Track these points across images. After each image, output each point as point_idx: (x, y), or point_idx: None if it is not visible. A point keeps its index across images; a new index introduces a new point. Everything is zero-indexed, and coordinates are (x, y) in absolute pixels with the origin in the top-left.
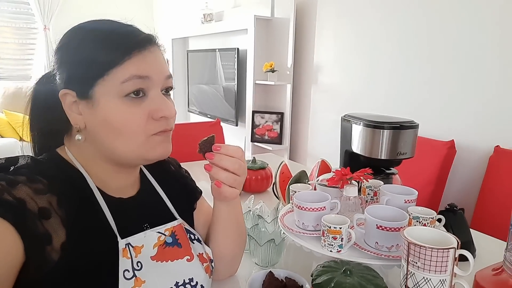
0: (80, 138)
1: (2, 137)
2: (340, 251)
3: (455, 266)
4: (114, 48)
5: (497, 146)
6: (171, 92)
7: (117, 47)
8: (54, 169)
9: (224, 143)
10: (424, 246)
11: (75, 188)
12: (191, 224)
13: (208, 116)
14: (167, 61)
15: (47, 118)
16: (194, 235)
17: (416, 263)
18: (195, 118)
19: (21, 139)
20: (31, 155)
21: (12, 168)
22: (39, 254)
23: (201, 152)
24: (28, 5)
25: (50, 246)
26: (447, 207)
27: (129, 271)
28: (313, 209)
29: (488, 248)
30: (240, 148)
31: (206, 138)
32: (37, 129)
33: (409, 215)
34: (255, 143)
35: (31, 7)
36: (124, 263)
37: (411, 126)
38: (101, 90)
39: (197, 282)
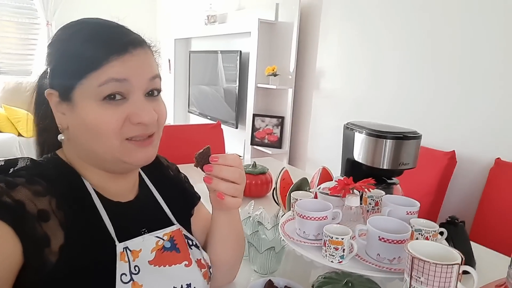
0: (62, 138)
1: (1, 132)
2: (341, 262)
3: (458, 282)
4: (93, 52)
5: (498, 158)
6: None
7: (96, 51)
8: (53, 171)
9: (224, 145)
10: (428, 262)
11: (74, 190)
12: (189, 230)
13: (208, 117)
14: (169, 61)
15: (44, 113)
16: (192, 240)
17: (420, 278)
18: (195, 119)
19: (19, 135)
20: (30, 157)
21: (11, 170)
22: (38, 256)
23: (198, 165)
24: (31, 0)
25: (49, 249)
26: (448, 219)
27: (126, 275)
28: (314, 218)
29: (488, 262)
30: (237, 156)
31: (201, 150)
32: (37, 126)
33: (411, 227)
34: (255, 146)
35: (34, 2)
36: (121, 267)
37: (414, 136)
38: (79, 93)
39: None
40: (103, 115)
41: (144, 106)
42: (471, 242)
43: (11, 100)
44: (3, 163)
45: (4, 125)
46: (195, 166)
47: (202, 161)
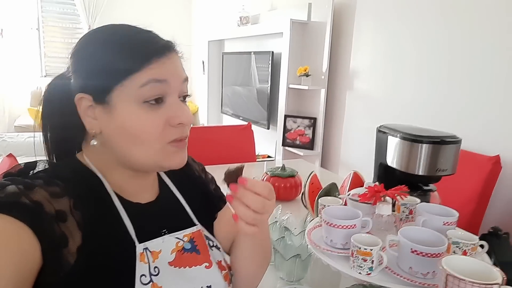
0: (95, 143)
1: None
2: (370, 274)
3: None
4: (133, 55)
5: None
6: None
7: (137, 54)
8: (71, 173)
9: (254, 147)
10: (464, 280)
11: (92, 192)
12: (211, 231)
13: (241, 118)
14: (203, 63)
15: (62, 123)
16: (212, 241)
17: None
18: (228, 120)
19: None
20: (49, 160)
21: (31, 172)
22: (56, 257)
23: (226, 182)
24: (74, 6)
25: (67, 249)
26: (490, 230)
27: (145, 276)
28: (342, 227)
29: None
30: (268, 184)
31: (234, 168)
32: (50, 134)
33: (448, 239)
34: (286, 148)
35: (77, 8)
36: (141, 268)
37: (453, 141)
38: (118, 95)
39: None
40: (144, 118)
41: (182, 107)
42: None
43: None
44: (22, 166)
45: None
46: (223, 180)
47: (231, 179)
